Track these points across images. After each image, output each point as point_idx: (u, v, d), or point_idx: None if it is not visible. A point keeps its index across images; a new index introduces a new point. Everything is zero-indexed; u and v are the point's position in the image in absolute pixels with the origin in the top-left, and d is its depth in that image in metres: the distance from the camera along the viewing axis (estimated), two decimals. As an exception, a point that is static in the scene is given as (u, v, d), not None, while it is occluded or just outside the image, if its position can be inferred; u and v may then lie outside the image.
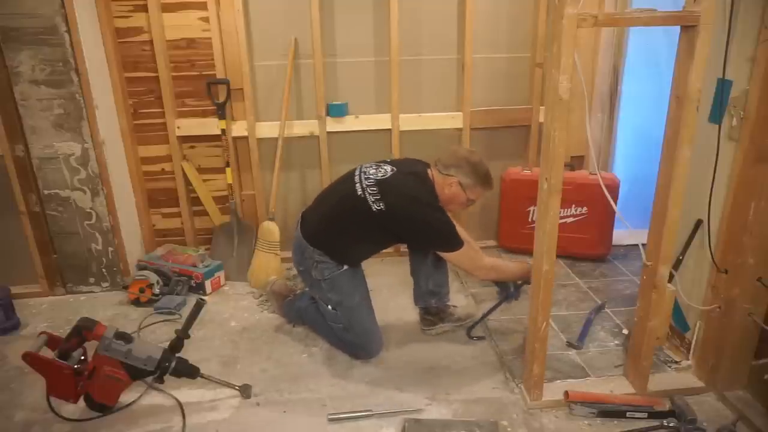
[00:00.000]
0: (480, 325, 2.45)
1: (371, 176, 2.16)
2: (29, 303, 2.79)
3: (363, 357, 2.28)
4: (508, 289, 2.35)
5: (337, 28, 2.94)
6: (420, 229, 2.14)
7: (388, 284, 2.87)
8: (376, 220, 2.10)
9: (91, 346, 1.92)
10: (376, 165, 2.23)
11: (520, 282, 2.32)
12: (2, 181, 2.67)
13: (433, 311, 2.45)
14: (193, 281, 2.86)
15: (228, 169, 3.01)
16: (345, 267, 2.23)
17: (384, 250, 2.46)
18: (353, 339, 2.27)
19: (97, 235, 2.83)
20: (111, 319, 2.62)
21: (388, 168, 2.19)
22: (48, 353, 1.89)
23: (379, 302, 2.43)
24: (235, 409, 2.02)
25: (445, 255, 2.20)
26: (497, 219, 3.34)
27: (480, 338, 2.41)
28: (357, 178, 2.18)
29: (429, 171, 2.22)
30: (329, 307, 2.26)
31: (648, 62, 3.21)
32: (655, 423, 1.87)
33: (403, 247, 2.84)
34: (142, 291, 2.72)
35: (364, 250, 2.31)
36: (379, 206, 2.09)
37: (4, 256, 2.82)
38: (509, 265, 2.34)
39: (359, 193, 2.13)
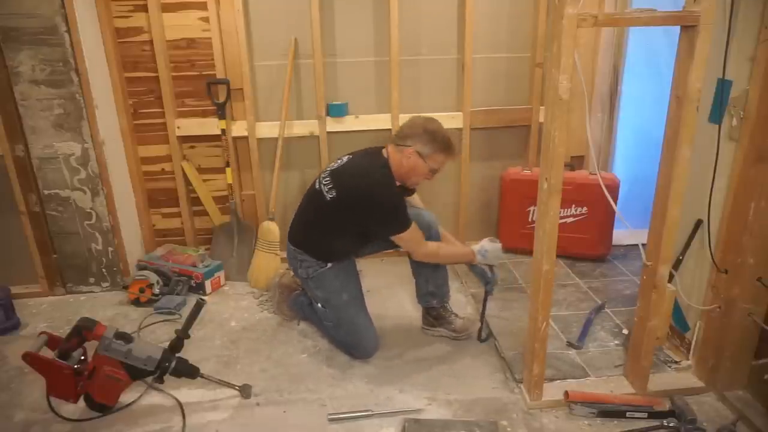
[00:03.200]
0: (485, 325, 2.44)
1: (328, 169, 2.22)
2: (29, 303, 2.79)
3: (358, 356, 2.28)
4: (486, 275, 2.30)
5: (337, 28, 2.94)
6: (370, 208, 2.10)
7: (388, 284, 2.87)
8: (332, 209, 2.14)
9: (91, 346, 1.92)
10: (338, 159, 2.27)
11: (490, 265, 2.29)
12: (2, 181, 2.67)
13: (434, 314, 2.45)
14: (193, 281, 2.86)
15: (228, 169, 3.01)
16: (329, 265, 2.24)
17: (386, 251, 2.45)
18: (344, 337, 2.30)
19: (97, 235, 2.83)
20: (111, 319, 2.62)
21: (345, 158, 2.23)
22: (48, 353, 1.89)
23: (378, 302, 2.43)
24: (235, 409, 2.02)
25: (394, 238, 2.15)
26: (497, 219, 3.34)
27: (488, 337, 2.39)
28: (319, 175, 2.24)
29: (384, 150, 2.19)
30: (319, 305, 2.31)
31: (648, 62, 3.21)
32: (655, 423, 1.87)
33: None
34: (142, 291, 2.72)
35: (338, 246, 2.26)
36: (331, 194, 2.13)
37: (4, 256, 2.82)
38: (450, 248, 2.32)
39: (317, 186, 2.20)
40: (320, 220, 2.22)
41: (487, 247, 2.25)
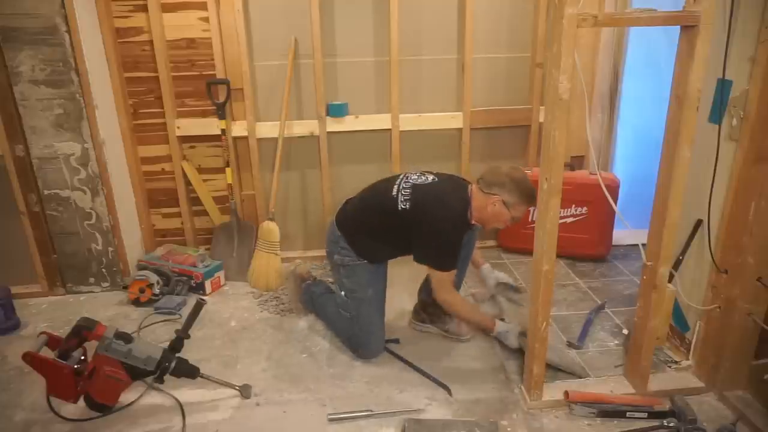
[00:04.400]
0: None
1: (410, 180, 2.21)
2: (29, 303, 2.79)
3: (362, 354, 2.29)
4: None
5: (337, 28, 2.94)
6: (428, 232, 2.11)
7: (390, 284, 2.85)
8: (398, 218, 2.14)
9: (91, 346, 1.92)
10: (421, 173, 2.26)
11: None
12: (2, 181, 2.67)
13: (429, 310, 2.45)
14: (193, 281, 2.86)
15: (228, 169, 3.01)
16: (364, 261, 2.26)
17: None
18: (357, 332, 2.30)
19: (97, 235, 2.83)
20: (111, 319, 2.62)
21: (431, 177, 2.23)
22: (48, 353, 1.89)
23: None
24: (235, 409, 2.02)
25: (429, 270, 2.17)
26: (497, 219, 3.33)
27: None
28: (398, 180, 2.23)
29: (470, 187, 2.19)
30: (342, 293, 2.33)
31: (648, 62, 3.21)
32: (655, 423, 1.87)
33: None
34: (142, 291, 2.72)
35: (379, 251, 2.29)
36: (405, 205, 2.13)
37: (4, 256, 2.82)
38: (471, 312, 2.31)
39: (393, 193, 2.18)
40: (381, 224, 2.22)
41: (508, 335, 2.26)
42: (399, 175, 2.27)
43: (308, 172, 3.17)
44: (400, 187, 2.19)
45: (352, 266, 2.26)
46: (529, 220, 3.14)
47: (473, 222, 2.17)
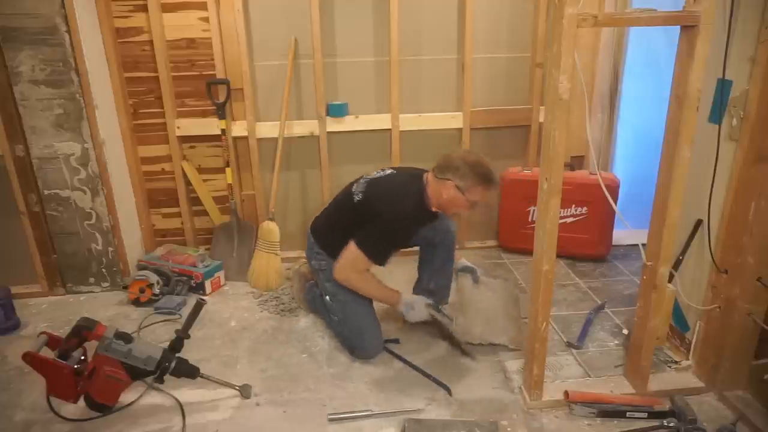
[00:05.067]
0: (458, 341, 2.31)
1: (368, 176, 2.29)
2: (29, 303, 2.79)
3: (359, 355, 2.29)
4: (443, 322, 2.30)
5: (337, 28, 2.94)
6: (373, 223, 2.11)
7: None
8: (356, 212, 2.20)
9: (91, 346, 1.92)
10: (381, 170, 2.34)
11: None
12: (2, 181, 2.67)
13: None
14: (193, 281, 2.86)
15: (228, 169, 3.01)
16: None
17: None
18: (348, 334, 2.31)
19: (97, 235, 2.83)
20: (111, 319, 2.62)
21: (388, 171, 2.31)
22: (48, 353, 1.89)
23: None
24: (235, 409, 2.02)
25: (350, 242, 2.14)
26: (497, 219, 3.34)
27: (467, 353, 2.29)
28: (361, 178, 2.31)
29: (425, 176, 2.21)
30: (327, 297, 2.35)
31: (648, 62, 3.21)
32: (655, 423, 1.87)
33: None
34: (142, 291, 2.72)
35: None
36: (359, 197, 2.20)
37: (4, 256, 2.82)
38: (376, 286, 2.26)
39: (352, 189, 2.28)
40: (340, 220, 2.30)
41: (415, 304, 2.25)
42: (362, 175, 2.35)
43: (308, 172, 3.17)
44: (359, 182, 2.27)
45: (329, 269, 2.26)
46: (529, 219, 3.15)
47: (435, 209, 2.17)
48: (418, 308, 2.25)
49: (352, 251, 2.13)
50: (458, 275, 2.51)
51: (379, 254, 2.14)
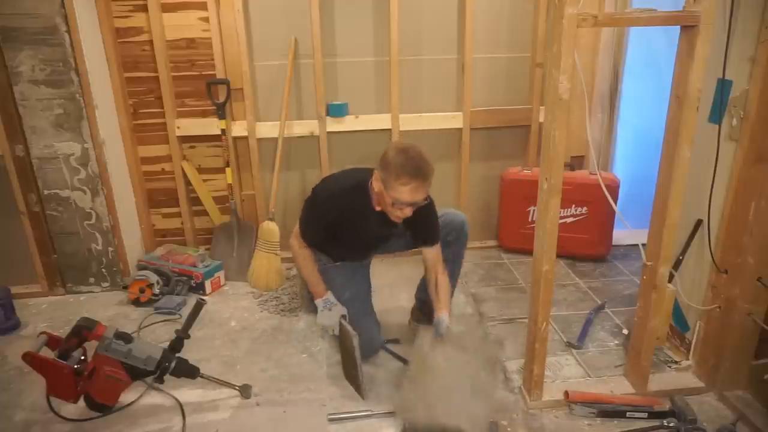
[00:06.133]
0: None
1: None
2: (29, 303, 2.79)
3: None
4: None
5: (337, 28, 2.94)
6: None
7: (388, 284, 2.86)
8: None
9: (91, 346, 1.92)
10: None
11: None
12: (2, 181, 2.67)
13: (426, 311, 2.44)
14: (193, 281, 2.86)
15: (228, 169, 3.01)
16: (337, 263, 2.28)
17: (394, 252, 2.43)
18: None
19: (97, 235, 2.83)
20: (111, 319, 2.62)
21: (349, 167, 2.29)
22: (48, 353, 1.89)
23: (379, 302, 2.42)
24: (235, 409, 2.02)
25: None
26: (497, 219, 3.34)
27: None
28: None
29: (376, 173, 1.98)
30: None
31: (648, 62, 3.21)
32: (655, 423, 1.88)
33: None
34: (142, 291, 2.72)
35: (328, 246, 2.26)
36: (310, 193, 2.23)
37: (4, 256, 2.82)
38: (307, 267, 2.22)
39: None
40: None
41: (333, 308, 2.15)
42: None
43: (308, 172, 3.17)
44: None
45: (323, 269, 2.25)
46: (529, 219, 3.15)
47: (378, 208, 2.02)
48: (333, 313, 2.14)
49: (295, 230, 2.22)
50: (420, 329, 2.04)
51: (307, 231, 2.17)
